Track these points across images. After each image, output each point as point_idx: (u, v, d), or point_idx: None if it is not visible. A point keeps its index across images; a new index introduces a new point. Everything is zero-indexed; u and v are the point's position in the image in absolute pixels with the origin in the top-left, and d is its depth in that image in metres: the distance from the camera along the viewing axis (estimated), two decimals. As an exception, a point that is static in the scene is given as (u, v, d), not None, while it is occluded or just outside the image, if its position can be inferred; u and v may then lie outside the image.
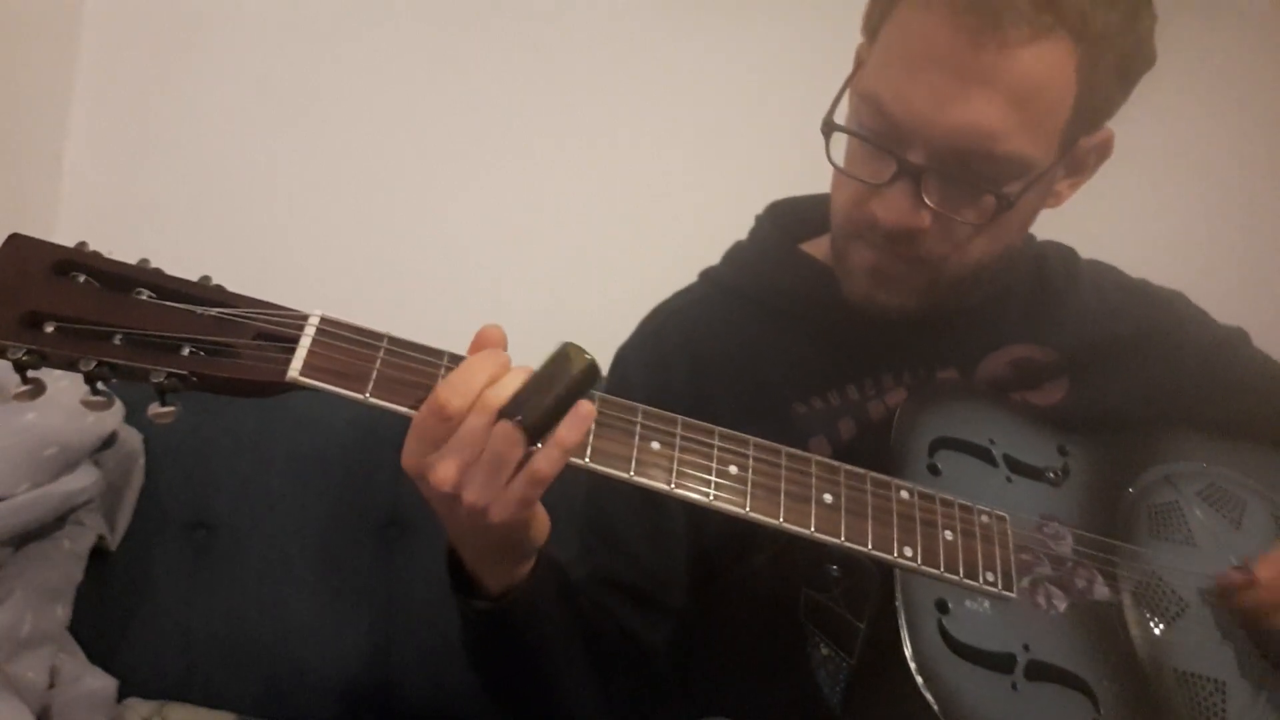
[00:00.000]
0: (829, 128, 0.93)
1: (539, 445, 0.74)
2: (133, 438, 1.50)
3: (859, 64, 0.96)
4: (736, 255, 1.16)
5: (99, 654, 1.44)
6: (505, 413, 0.73)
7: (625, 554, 1.04)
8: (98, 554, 1.44)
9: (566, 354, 0.74)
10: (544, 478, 0.74)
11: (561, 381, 0.74)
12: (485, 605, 0.86)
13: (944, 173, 0.87)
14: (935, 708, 0.81)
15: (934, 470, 0.93)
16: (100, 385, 0.71)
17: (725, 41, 1.74)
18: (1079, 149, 0.94)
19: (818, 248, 1.09)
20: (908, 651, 0.83)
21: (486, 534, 0.79)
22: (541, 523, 0.82)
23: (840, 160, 0.95)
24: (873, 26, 0.94)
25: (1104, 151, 0.98)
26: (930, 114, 0.85)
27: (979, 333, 1.07)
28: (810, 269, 1.07)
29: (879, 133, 0.90)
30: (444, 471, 0.73)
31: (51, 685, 1.34)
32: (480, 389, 0.73)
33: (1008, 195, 0.87)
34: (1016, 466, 0.97)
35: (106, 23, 1.75)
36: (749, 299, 1.10)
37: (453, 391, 0.73)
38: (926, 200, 0.88)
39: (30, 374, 0.69)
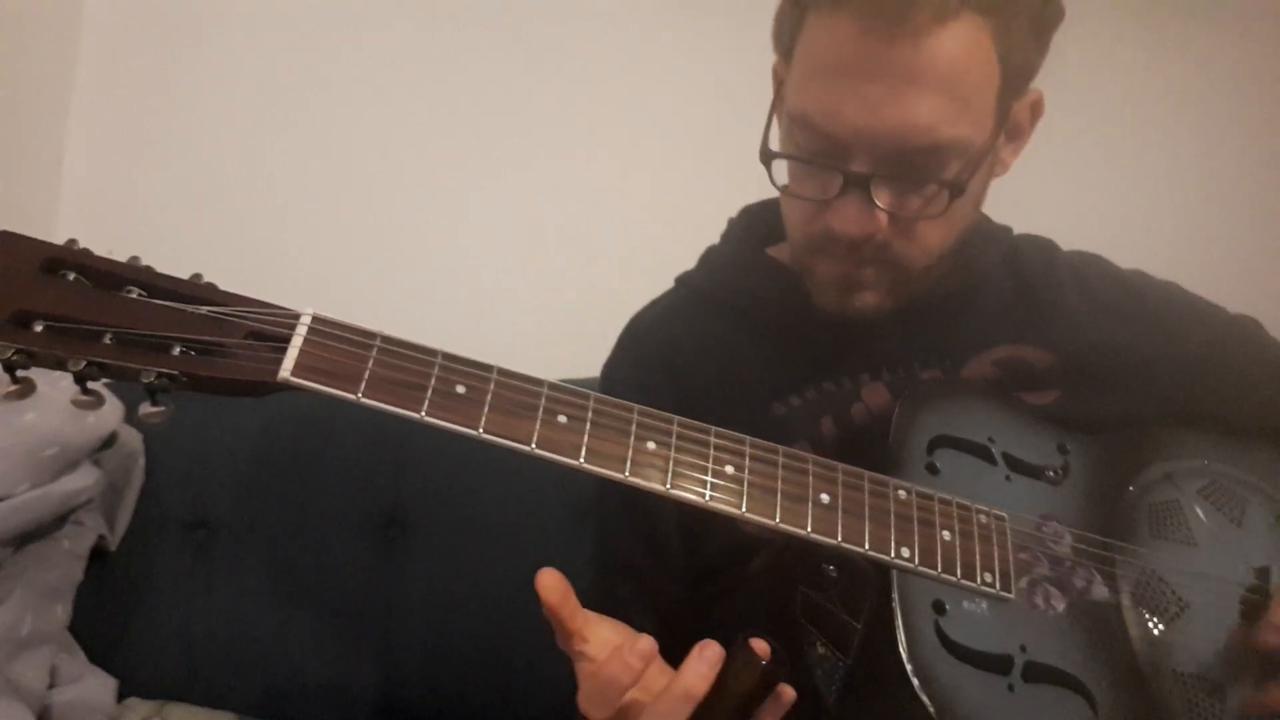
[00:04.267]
0: (767, 156, 0.92)
1: None
2: (133, 438, 1.50)
3: (779, 82, 0.96)
4: (709, 259, 1.17)
5: (99, 654, 1.44)
6: None
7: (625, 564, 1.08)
8: (98, 554, 1.45)
9: (742, 662, 0.76)
10: None
11: (742, 694, 0.76)
12: None
13: (890, 174, 0.87)
14: (931, 710, 0.80)
15: (932, 469, 0.92)
16: (90, 384, 0.71)
17: (716, 45, 1.75)
18: (1013, 115, 0.94)
19: (785, 251, 1.09)
20: (904, 653, 0.82)
21: None
22: None
23: (784, 180, 0.95)
24: (785, 44, 0.94)
25: (1037, 112, 0.98)
26: (865, 123, 0.85)
27: (956, 329, 1.06)
28: (777, 274, 1.08)
29: (818, 150, 0.89)
30: None
31: (51, 685, 1.35)
32: (618, 697, 0.75)
33: (958, 182, 0.87)
34: (1016, 465, 0.96)
35: (106, 23, 1.75)
36: (722, 303, 1.11)
37: (595, 705, 0.75)
38: (879, 203, 0.88)
39: (19, 373, 0.69)
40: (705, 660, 0.75)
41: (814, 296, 1.00)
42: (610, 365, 1.17)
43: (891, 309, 0.99)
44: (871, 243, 0.91)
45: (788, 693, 0.77)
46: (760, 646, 0.76)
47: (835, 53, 0.85)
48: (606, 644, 0.78)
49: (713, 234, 1.19)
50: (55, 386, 1.29)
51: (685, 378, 1.08)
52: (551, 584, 0.77)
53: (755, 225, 1.13)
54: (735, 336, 1.09)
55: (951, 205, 0.88)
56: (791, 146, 0.93)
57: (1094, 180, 1.76)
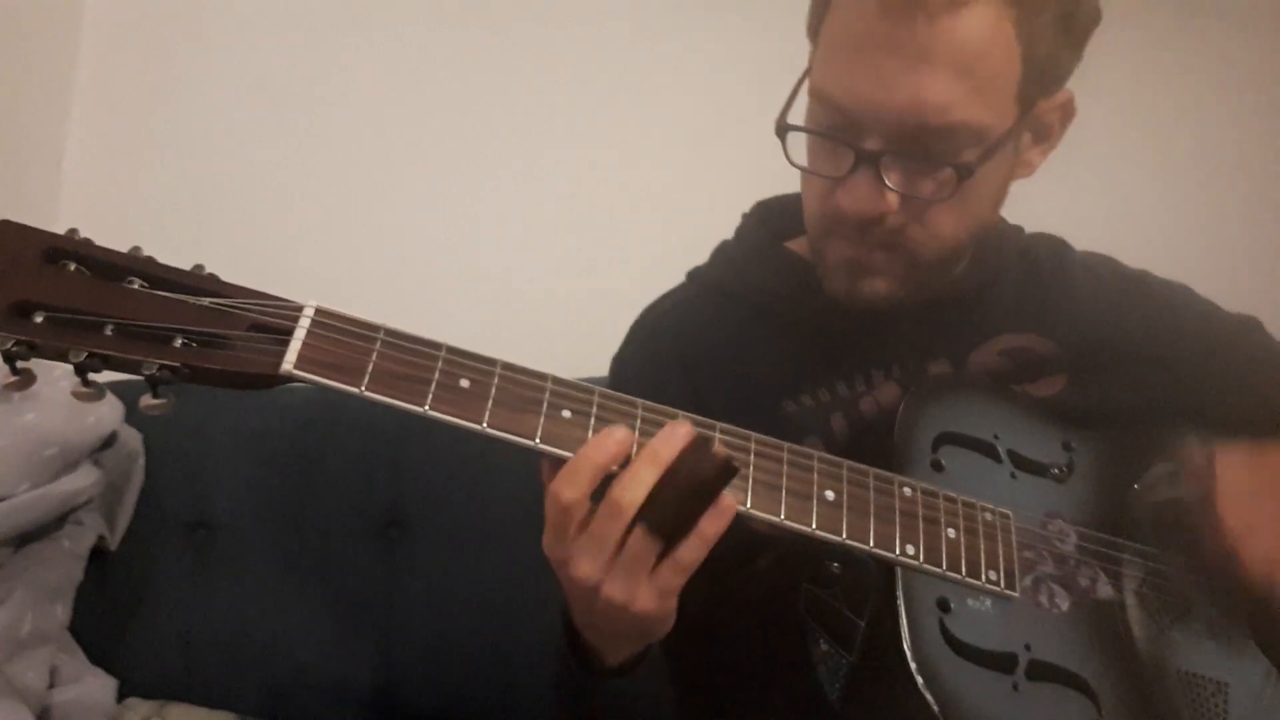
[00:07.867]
0: (783, 129, 0.93)
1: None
2: (133, 438, 1.50)
3: (809, 68, 0.96)
4: (723, 254, 1.16)
5: (99, 654, 1.44)
6: (642, 517, 0.74)
7: None
8: (98, 554, 1.44)
9: (703, 451, 0.74)
10: (688, 566, 0.76)
11: (698, 481, 0.74)
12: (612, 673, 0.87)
13: (901, 153, 0.87)
14: (935, 709, 0.79)
15: (937, 466, 0.92)
16: (91, 377, 0.70)
17: (721, 42, 1.75)
18: (1040, 113, 0.93)
19: (803, 245, 1.08)
20: (908, 651, 0.82)
21: (621, 623, 0.79)
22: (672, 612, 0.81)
23: (801, 161, 0.96)
24: (814, 28, 0.95)
25: (1067, 114, 0.97)
26: (878, 98, 0.85)
27: (969, 324, 1.06)
28: (795, 266, 1.07)
29: (833, 126, 0.90)
30: (584, 570, 0.75)
31: (51, 685, 1.34)
32: (591, 477, 0.75)
33: (967, 164, 0.87)
34: (1021, 462, 0.95)
35: (106, 23, 1.75)
36: (736, 298, 1.10)
37: (566, 482, 0.75)
38: (888, 183, 0.88)
39: (20, 364, 0.68)
40: (677, 433, 0.76)
41: (824, 282, 1.00)
42: (620, 360, 1.15)
43: (903, 300, 0.98)
44: (881, 224, 0.91)
45: (728, 502, 0.77)
46: (720, 448, 0.75)
47: (855, 29, 0.86)
48: None
49: (721, 231, 1.17)
50: (55, 386, 1.29)
51: (697, 373, 1.07)
52: None
53: (770, 219, 1.13)
54: (748, 332, 1.08)
55: (960, 189, 0.88)
56: (811, 124, 0.93)
57: (1095, 181, 1.76)
